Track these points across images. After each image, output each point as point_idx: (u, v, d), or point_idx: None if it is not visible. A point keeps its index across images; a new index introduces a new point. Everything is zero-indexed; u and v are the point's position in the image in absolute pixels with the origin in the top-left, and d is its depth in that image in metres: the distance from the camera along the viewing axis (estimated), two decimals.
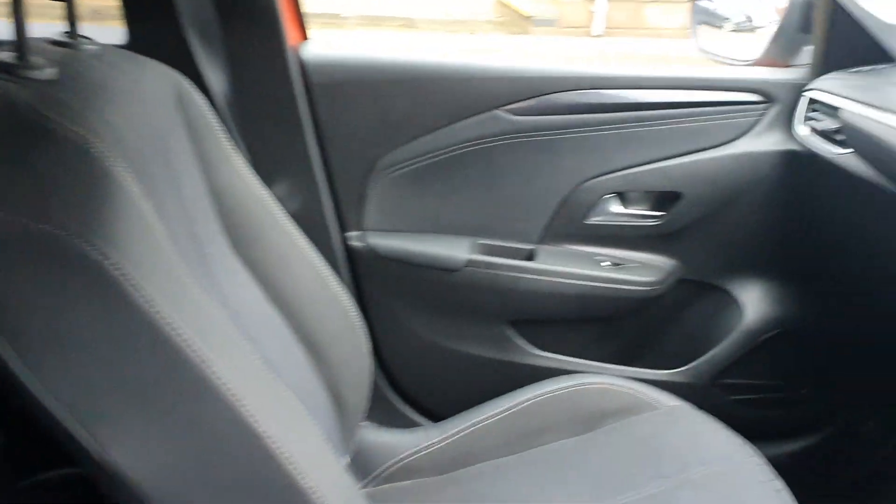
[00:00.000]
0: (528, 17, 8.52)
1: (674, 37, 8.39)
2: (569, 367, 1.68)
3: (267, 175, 1.21)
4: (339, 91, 1.56)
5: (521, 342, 1.70)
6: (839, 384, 1.74)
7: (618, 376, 1.39)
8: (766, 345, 1.69)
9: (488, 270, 1.62)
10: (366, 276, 1.66)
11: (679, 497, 1.11)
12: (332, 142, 1.58)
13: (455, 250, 1.62)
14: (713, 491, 1.13)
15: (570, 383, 1.35)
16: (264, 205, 1.11)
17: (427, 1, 9.22)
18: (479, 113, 1.57)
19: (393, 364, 1.72)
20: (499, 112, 1.57)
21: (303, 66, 1.53)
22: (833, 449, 1.77)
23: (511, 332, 1.69)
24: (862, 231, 1.47)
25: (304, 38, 1.60)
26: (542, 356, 1.70)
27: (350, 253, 1.64)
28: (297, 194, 1.56)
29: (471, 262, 1.61)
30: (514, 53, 7.63)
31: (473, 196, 1.64)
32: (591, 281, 1.63)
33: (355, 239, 1.64)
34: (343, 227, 1.64)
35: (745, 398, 1.74)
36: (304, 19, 1.59)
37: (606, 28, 8.38)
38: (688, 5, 1.94)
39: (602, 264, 1.66)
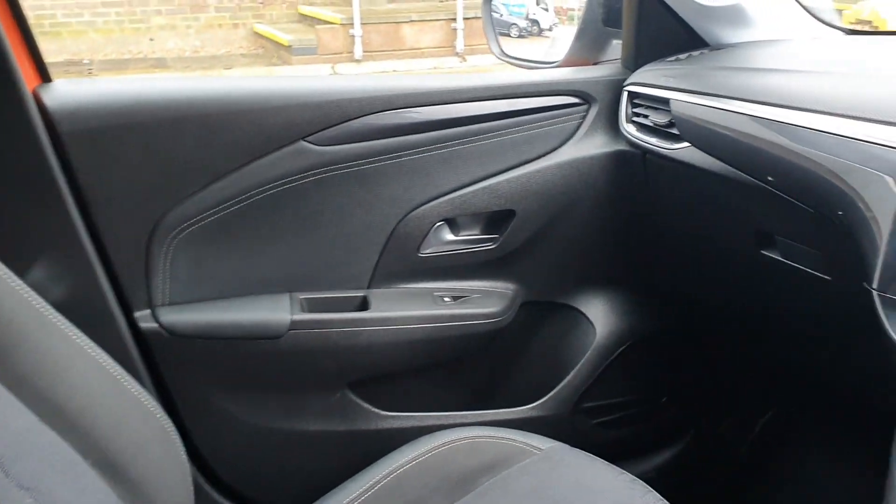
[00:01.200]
0: (287, 47, 8.27)
1: (435, 55, 8.57)
2: (425, 424, 1.48)
3: (19, 259, 0.90)
4: (98, 139, 1.24)
5: (366, 405, 1.47)
6: (694, 387, 1.69)
7: (482, 423, 1.22)
8: (621, 359, 1.60)
9: (317, 329, 1.37)
10: (166, 362, 1.34)
11: None
12: (98, 204, 1.25)
13: (274, 313, 1.36)
14: None
15: (433, 444, 1.16)
16: (20, 299, 0.80)
17: (175, 38, 8.70)
18: (280, 147, 1.32)
19: (217, 461, 1.42)
20: (304, 143, 1.33)
21: (46, 113, 1.20)
22: (697, 455, 1.72)
23: (353, 396, 1.46)
24: (706, 227, 1.40)
25: (45, 79, 1.27)
26: (392, 417, 1.48)
27: (141, 338, 1.32)
28: (62, 277, 1.22)
29: (295, 324, 1.35)
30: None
31: (287, 245, 1.39)
32: (434, 322, 1.44)
33: (145, 320, 1.32)
34: (128, 308, 1.31)
35: (608, 419, 1.64)
36: (41, 57, 1.26)
37: (367, 52, 8.34)
38: (480, 13, 1.82)
39: (444, 300, 1.48)
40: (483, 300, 1.50)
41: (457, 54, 8.58)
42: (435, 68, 8.39)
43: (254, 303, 1.37)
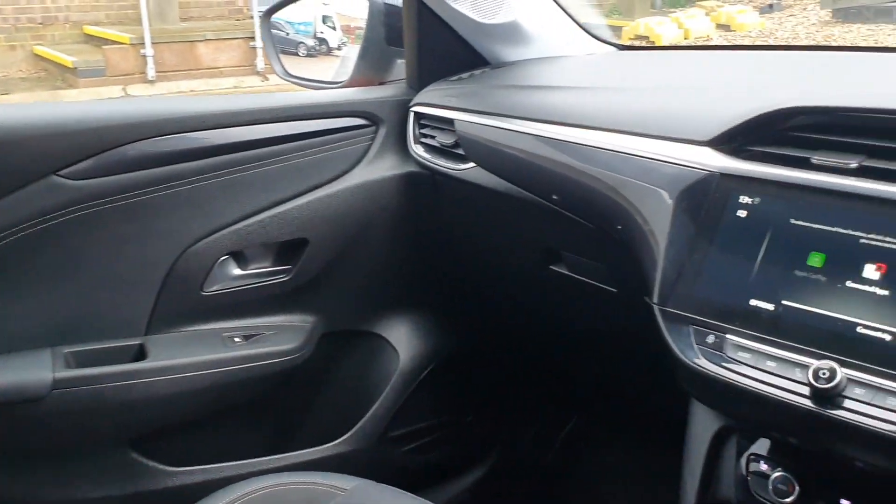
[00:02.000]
0: (71, 69, 7.68)
1: (234, 74, 8.28)
2: (221, 476, 1.36)
3: None
4: None
5: (151, 463, 1.33)
6: (498, 404, 1.69)
7: (284, 468, 1.13)
8: (425, 382, 1.56)
9: (87, 386, 1.22)
10: None
11: None
12: None
13: (33, 371, 1.19)
14: None
15: (228, 498, 1.06)
16: None
17: None
18: (27, 184, 1.17)
19: None
20: (55, 178, 1.18)
21: None
22: (506, 470, 1.72)
23: (135, 455, 1.31)
24: (497, 245, 1.40)
25: None
26: (182, 472, 1.35)
27: None
28: None
29: (58, 382, 1.19)
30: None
31: (45, 292, 1.23)
32: (224, 366, 1.33)
33: None
34: None
35: (416, 445, 1.59)
36: None
37: (161, 72, 7.92)
38: (260, 34, 1.73)
39: (234, 341, 1.37)
40: (278, 337, 1.40)
41: (257, 73, 8.34)
42: (235, 88, 8.11)
43: (9, 362, 1.20)
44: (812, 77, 1.18)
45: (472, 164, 1.29)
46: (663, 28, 5.91)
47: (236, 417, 1.41)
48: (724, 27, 6.13)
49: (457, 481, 1.68)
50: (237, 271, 1.38)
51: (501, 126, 1.21)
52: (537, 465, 1.77)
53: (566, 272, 1.26)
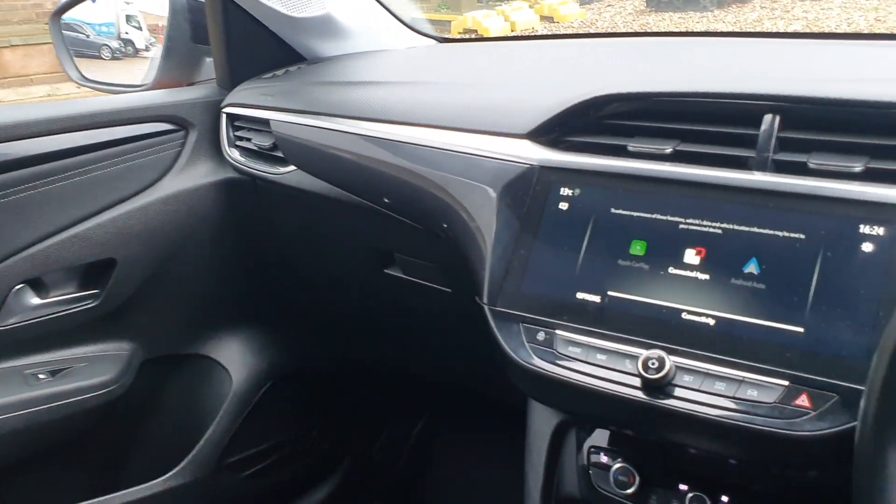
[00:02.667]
0: None
1: (48, 81, 7.70)
2: None
3: None
4: None
5: None
6: (343, 414, 1.63)
7: None
8: (263, 401, 1.47)
9: None
10: None
11: None
12: None
13: None
14: None
15: None
16: None
17: None
18: None
19: None
20: None
21: None
22: (356, 480, 1.66)
23: None
24: (329, 252, 1.33)
25: None
26: None
27: None
28: None
29: None
30: None
31: None
32: (26, 407, 1.18)
33: None
34: None
35: (259, 468, 1.50)
36: None
37: None
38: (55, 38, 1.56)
39: (39, 378, 1.22)
40: (90, 369, 1.27)
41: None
42: (48, 95, 7.53)
43: None
44: (627, 64, 1.19)
45: (292, 168, 1.21)
46: (490, 21, 6.01)
47: (53, 461, 1.27)
48: (547, 19, 6.31)
49: (305, 499, 1.60)
50: (36, 300, 1.23)
51: (320, 125, 1.14)
52: (390, 470, 1.72)
53: (401, 275, 1.21)
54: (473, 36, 5.52)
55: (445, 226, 0.98)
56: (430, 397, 1.70)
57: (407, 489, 1.72)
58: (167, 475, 1.37)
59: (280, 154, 1.23)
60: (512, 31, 6.01)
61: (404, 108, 1.08)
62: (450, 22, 5.97)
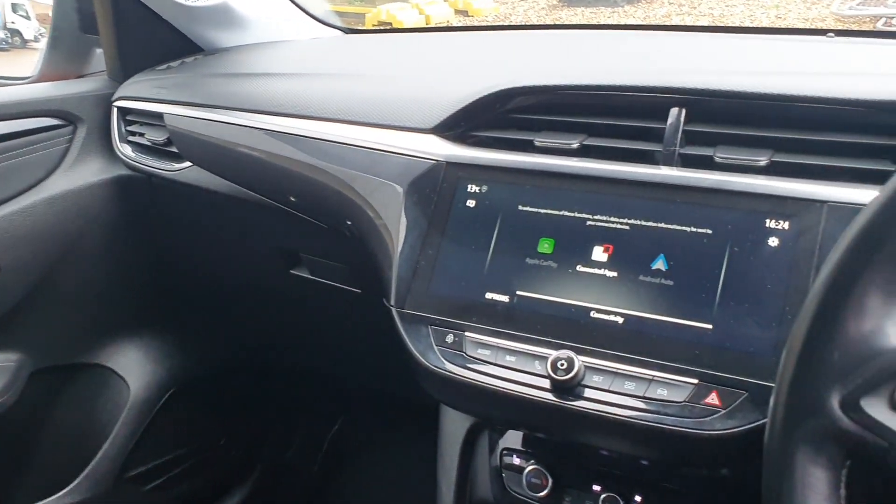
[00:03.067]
0: None
1: None
2: None
3: None
4: None
5: None
6: (254, 421, 1.57)
7: None
8: (165, 411, 1.40)
9: None
10: None
11: None
12: None
13: None
14: None
15: None
16: None
17: None
18: None
19: None
20: None
21: None
22: (269, 488, 1.61)
23: None
24: (231, 253, 1.27)
25: None
26: None
27: None
28: None
29: None
30: None
31: None
32: None
33: None
34: None
35: (163, 480, 1.43)
36: None
37: None
38: None
39: None
40: None
41: None
42: None
43: None
44: (536, 57, 1.17)
45: (188, 164, 1.15)
46: (405, 14, 5.95)
47: None
48: (462, 12, 6.30)
49: None
50: None
51: (217, 119, 1.08)
52: (304, 475, 1.67)
53: (307, 276, 1.16)
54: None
55: (350, 223, 0.94)
56: (345, 399, 1.65)
57: (322, 494, 1.68)
58: (62, 492, 1.29)
59: (175, 150, 1.16)
60: (427, 24, 5.98)
61: (306, 100, 1.03)
62: (363, 14, 5.90)
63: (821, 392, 0.45)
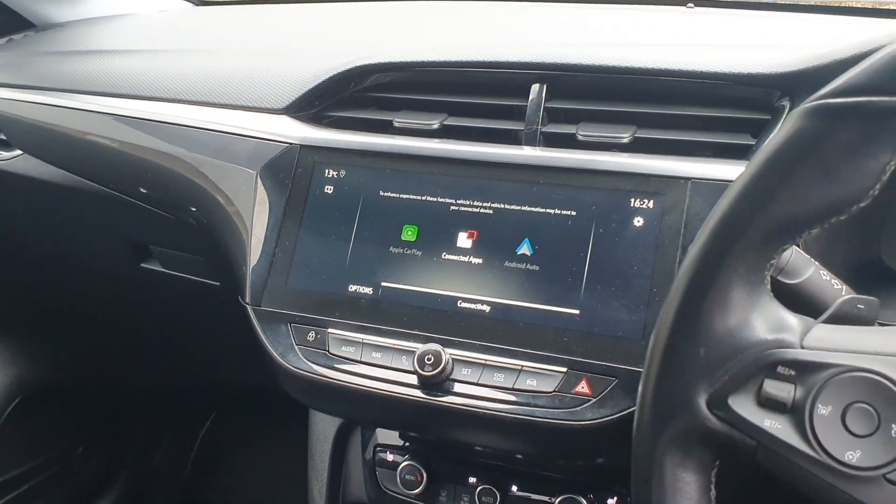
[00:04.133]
0: None
1: None
2: None
3: None
4: None
5: None
6: (115, 426, 1.46)
7: None
8: (10, 422, 1.28)
9: None
10: None
11: None
12: None
13: None
14: None
15: None
16: None
17: None
18: None
19: None
20: None
21: None
22: (136, 496, 1.51)
23: None
24: (74, 248, 1.17)
25: None
26: None
27: None
28: None
29: None
30: None
31: None
32: None
33: None
34: None
35: (14, 496, 1.31)
36: None
37: None
38: None
39: None
40: None
41: None
42: None
43: None
44: (394, 30, 1.11)
45: (18, 152, 1.04)
46: None
47: None
48: None
49: None
50: None
51: (50, 102, 0.99)
52: (173, 479, 1.58)
53: (160, 269, 1.08)
54: None
55: (195, 209, 0.86)
56: (214, 397, 1.57)
57: (194, 497, 1.59)
58: None
59: (3, 137, 1.05)
60: None
61: (150, 80, 0.95)
62: None
63: (688, 391, 0.43)
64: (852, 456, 0.40)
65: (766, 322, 0.43)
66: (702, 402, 0.42)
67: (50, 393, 1.33)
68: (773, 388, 0.41)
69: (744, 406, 0.42)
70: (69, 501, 1.42)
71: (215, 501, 1.58)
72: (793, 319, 0.43)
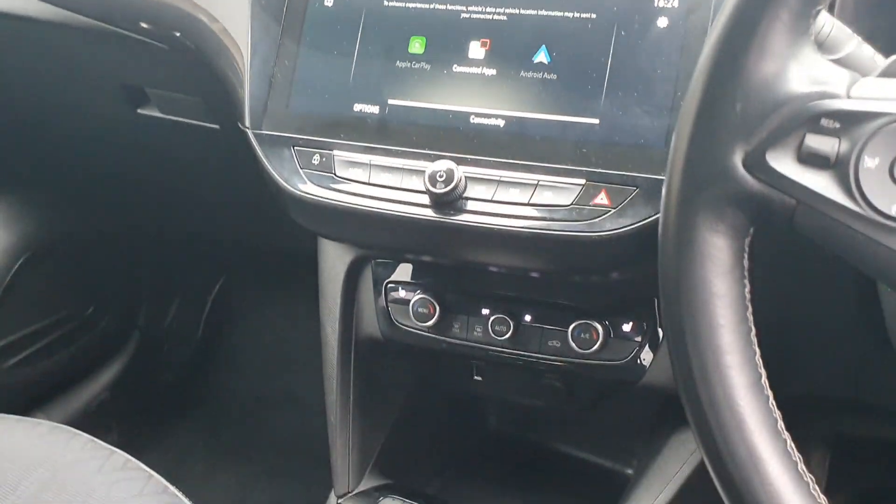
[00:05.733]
0: None
1: None
2: None
3: None
4: None
5: None
6: (126, 285, 1.46)
7: None
8: (19, 280, 1.26)
9: None
10: None
11: None
12: None
13: None
14: None
15: None
16: None
17: None
18: None
19: None
20: None
21: None
22: (149, 353, 1.52)
23: None
24: (66, 96, 1.12)
25: None
26: None
27: None
28: None
29: None
30: None
31: None
32: None
33: None
34: None
35: (29, 353, 1.31)
36: None
37: None
38: None
39: None
40: None
41: None
42: None
43: None
44: None
45: None
46: None
47: None
48: None
49: (91, 381, 1.44)
50: None
51: None
52: (185, 340, 1.58)
53: (157, 114, 1.04)
54: None
55: (178, 34, 0.81)
56: (223, 258, 1.56)
57: (206, 359, 1.60)
58: None
59: None
60: None
61: None
62: None
63: (723, 150, 0.39)
64: None
65: (809, 73, 0.39)
66: (738, 161, 0.39)
67: (56, 251, 1.32)
68: (815, 142, 0.38)
69: (783, 163, 0.38)
70: (80, 362, 1.43)
71: (228, 363, 1.60)
72: (839, 71, 0.40)
